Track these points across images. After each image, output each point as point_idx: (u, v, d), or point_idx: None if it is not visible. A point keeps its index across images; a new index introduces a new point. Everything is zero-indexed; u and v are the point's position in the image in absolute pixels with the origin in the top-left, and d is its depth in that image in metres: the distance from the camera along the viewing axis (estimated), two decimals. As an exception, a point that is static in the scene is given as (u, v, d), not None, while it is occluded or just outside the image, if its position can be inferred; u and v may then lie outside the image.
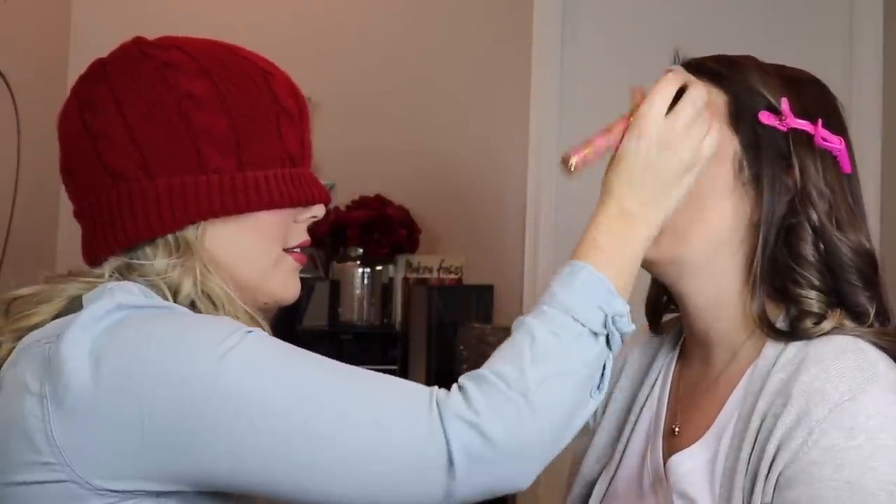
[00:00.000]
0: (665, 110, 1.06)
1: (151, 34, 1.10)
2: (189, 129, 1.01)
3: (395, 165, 2.99)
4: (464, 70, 3.03)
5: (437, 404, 0.91)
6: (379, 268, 2.81)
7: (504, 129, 3.01)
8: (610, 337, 0.99)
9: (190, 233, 1.02)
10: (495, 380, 0.92)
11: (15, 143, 2.26)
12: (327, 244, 2.82)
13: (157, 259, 1.01)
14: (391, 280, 2.87)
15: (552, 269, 2.92)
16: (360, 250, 2.80)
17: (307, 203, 1.08)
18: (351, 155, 2.98)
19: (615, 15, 3.04)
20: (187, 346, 0.92)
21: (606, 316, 0.98)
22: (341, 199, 2.89)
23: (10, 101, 2.32)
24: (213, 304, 1.02)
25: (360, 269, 2.78)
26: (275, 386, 0.91)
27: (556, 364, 0.95)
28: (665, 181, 1.04)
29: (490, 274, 2.94)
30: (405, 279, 2.87)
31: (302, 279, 3.06)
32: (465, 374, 0.95)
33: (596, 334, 0.98)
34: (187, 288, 1.01)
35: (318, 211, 1.10)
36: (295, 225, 1.09)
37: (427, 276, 2.88)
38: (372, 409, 0.92)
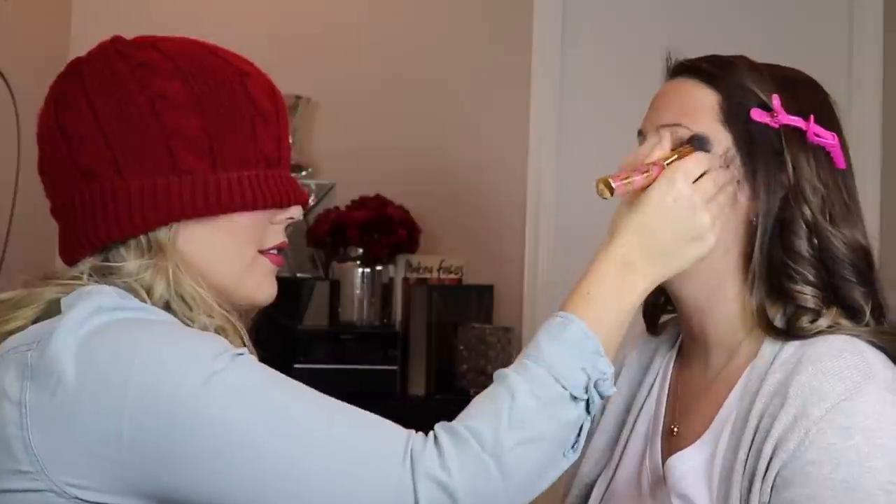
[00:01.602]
0: (698, 175, 1.07)
1: (151, 34, 1.10)
2: (162, 130, 1.00)
3: (395, 165, 2.98)
4: (464, 70, 3.03)
5: (412, 458, 0.91)
6: (379, 268, 2.81)
7: (504, 129, 3.01)
8: (590, 401, 0.99)
9: (162, 234, 1.01)
10: (470, 438, 0.93)
11: (15, 143, 2.26)
12: (327, 244, 2.82)
13: (129, 260, 1.01)
14: (391, 280, 2.87)
15: (552, 269, 2.94)
16: (360, 250, 2.80)
17: (282, 205, 1.07)
18: (351, 155, 2.97)
19: (615, 15, 3.04)
20: (174, 364, 0.91)
21: (589, 380, 0.98)
22: (341, 199, 2.89)
23: (10, 101, 2.32)
24: (187, 304, 1.01)
25: (360, 269, 2.77)
26: (256, 418, 0.91)
27: (533, 429, 0.95)
28: (676, 239, 1.05)
29: (490, 274, 2.94)
30: (405, 279, 2.87)
31: (302, 279, 3.05)
32: (442, 424, 0.95)
33: (576, 398, 0.98)
34: (160, 289, 1.00)
35: (295, 212, 1.09)
36: (271, 226, 1.08)
37: (427, 276, 2.88)
38: (348, 453, 0.92)
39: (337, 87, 3.00)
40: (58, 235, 1.07)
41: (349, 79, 3.00)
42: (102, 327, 0.93)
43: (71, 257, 1.05)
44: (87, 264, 1.03)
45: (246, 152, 1.03)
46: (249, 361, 0.96)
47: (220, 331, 1.02)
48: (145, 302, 0.99)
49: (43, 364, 0.92)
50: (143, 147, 1.00)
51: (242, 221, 1.04)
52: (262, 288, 1.08)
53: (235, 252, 1.05)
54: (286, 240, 1.10)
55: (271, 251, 1.09)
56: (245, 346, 1.04)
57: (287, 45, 2.97)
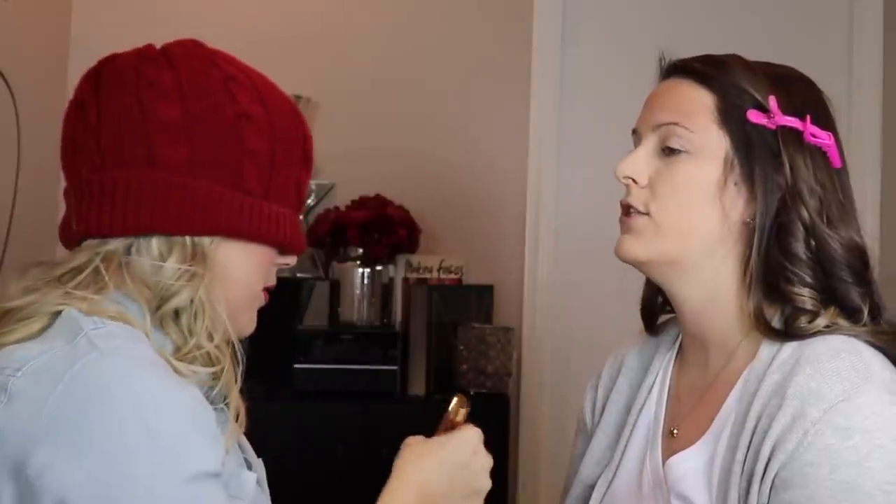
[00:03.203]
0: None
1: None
2: (239, 145, 1.03)
3: (395, 165, 2.99)
4: (464, 70, 3.03)
5: None
6: (379, 268, 2.81)
7: (504, 130, 3.01)
8: None
9: (206, 242, 1.02)
10: None
11: (15, 143, 2.26)
12: (327, 244, 2.82)
13: (170, 260, 1.00)
14: (391, 280, 2.87)
15: (552, 269, 2.95)
16: (360, 250, 2.80)
17: (297, 251, 1.11)
18: (351, 155, 2.98)
19: (615, 15, 3.04)
20: (157, 449, 0.89)
21: None
22: (341, 199, 2.89)
23: (10, 101, 2.32)
24: (196, 317, 1.00)
25: (360, 269, 2.78)
26: None
27: None
28: (469, 486, 1.10)
29: (490, 274, 2.94)
30: (405, 279, 2.87)
31: (302, 279, 3.05)
32: None
33: None
34: (184, 296, 1.00)
35: (292, 262, 1.13)
36: (272, 266, 1.10)
37: (427, 276, 2.88)
38: None
39: (337, 87, 3.00)
40: (79, 207, 1.03)
41: (349, 79, 3.01)
42: (88, 370, 0.91)
43: (93, 235, 1.02)
44: (108, 247, 1.01)
45: (289, 191, 1.07)
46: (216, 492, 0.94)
47: (212, 357, 1.00)
48: (144, 315, 0.98)
49: (20, 394, 0.91)
50: (218, 155, 1.02)
51: (265, 254, 1.07)
52: (251, 322, 1.10)
53: (254, 281, 1.08)
54: (275, 282, 1.12)
55: (265, 289, 1.11)
56: (237, 379, 1.03)
57: (287, 45, 2.97)
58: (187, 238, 1.01)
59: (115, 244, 1.01)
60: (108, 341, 0.94)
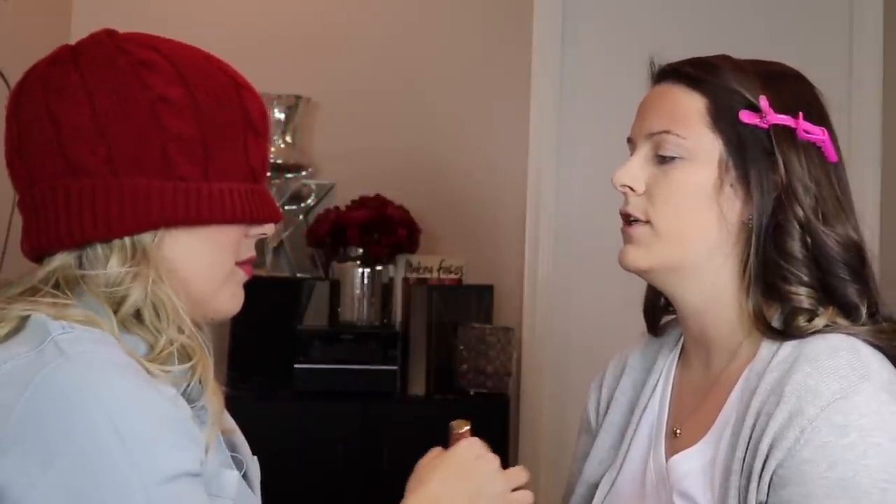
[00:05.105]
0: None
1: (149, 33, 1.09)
2: (160, 132, 0.98)
3: (395, 165, 2.99)
4: (464, 70, 3.03)
5: None
6: (379, 268, 2.81)
7: (504, 130, 3.02)
8: None
9: (147, 238, 0.99)
10: None
11: (15, 143, 2.25)
12: (327, 244, 2.82)
13: (110, 264, 0.98)
14: (391, 280, 2.86)
15: (552, 269, 2.95)
16: (360, 250, 2.80)
17: (264, 221, 1.07)
18: (351, 155, 2.98)
19: (615, 15, 3.04)
20: (129, 452, 0.88)
21: None
22: (341, 199, 2.89)
23: (10, 102, 2.32)
24: (158, 314, 0.98)
25: (360, 269, 2.77)
26: None
27: None
28: (478, 488, 1.10)
29: (490, 274, 2.94)
30: (405, 279, 2.87)
31: (302, 279, 3.04)
32: None
33: None
34: (135, 296, 0.98)
35: (269, 229, 1.09)
36: (245, 239, 1.07)
37: (427, 276, 2.88)
38: None
39: (337, 87, 3.00)
40: (23, 225, 1.02)
41: (349, 79, 3.01)
42: (56, 375, 0.90)
43: (43, 251, 1.01)
44: (56, 262, 0.99)
45: (237, 165, 1.03)
46: (195, 488, 0.93)
47: (188, 349, 0.99)
48: (110, 317, 0.97)
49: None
50: (139, 147, 0.98)
51: (226, 233, 1.03)
52: (236, 298, 1.08)
53: (217, 263, 1.04)
54: (255, 253, 1.10)
55: (244, 263, 1.08)
56: (212, 369, 1.02)
57: (287, 45, 2.97)
58: (126, 239, 0.98)
59: (63, 258, 1.00)
60: (76, 346, 0.93)
